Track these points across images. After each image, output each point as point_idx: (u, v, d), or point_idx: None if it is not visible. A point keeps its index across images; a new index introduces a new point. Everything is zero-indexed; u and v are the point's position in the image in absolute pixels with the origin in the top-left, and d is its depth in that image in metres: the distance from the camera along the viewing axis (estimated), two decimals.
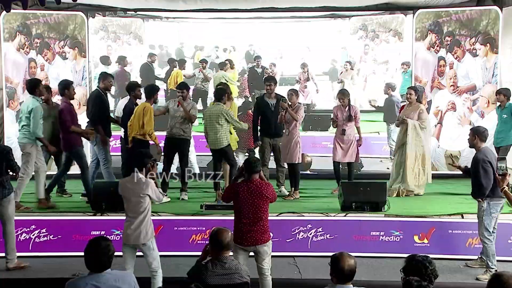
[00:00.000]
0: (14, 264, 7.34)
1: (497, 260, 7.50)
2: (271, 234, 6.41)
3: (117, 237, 7.94)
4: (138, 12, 14.87)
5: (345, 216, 8.31)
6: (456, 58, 10.86)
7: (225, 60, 16.19)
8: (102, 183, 8.95)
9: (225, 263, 4.80)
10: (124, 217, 6.50)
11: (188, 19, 17.52)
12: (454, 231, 8.02)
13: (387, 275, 7.36)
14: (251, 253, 6.25)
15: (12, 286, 7.18)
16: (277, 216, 8.17)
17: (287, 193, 9.51)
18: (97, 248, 4.28)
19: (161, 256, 6.59)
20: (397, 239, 8.06)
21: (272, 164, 9.80)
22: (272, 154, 9.69)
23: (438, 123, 11.03)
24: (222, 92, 9.28)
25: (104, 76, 9.33)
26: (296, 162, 9.40)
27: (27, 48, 10.92)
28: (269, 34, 19.46)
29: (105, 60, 15.21)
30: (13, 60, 10.90)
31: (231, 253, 5.03)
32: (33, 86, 8.60)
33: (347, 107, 9.53)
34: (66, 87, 8.78)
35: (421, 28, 11.00)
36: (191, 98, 10.68)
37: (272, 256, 6.44)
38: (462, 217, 8.23)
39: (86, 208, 8.54)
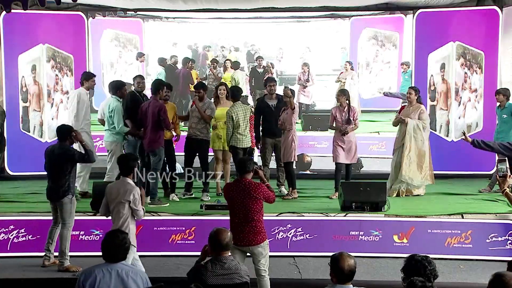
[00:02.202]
0: (65, 266, 7.33)
1: (475, 260, 7.60)
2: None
3: (97, 237, 7.98)
4: (138, 12, 14.87)
5: (345, 216, 8.30)
6: None
7: (226, 60, 16.20)
8: (102, 184, 8.94)
9: (224, 263, 4.79)
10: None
11: (188, 19, 17.54)
12: (434, 230, 8.02)
13: (387, 275, 7.36)
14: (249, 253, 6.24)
15: (12, 286, 7.17)
16: (276, 216, 8.17)
17: (286, 193, 9.50)
18: (114, 240, 4.47)
19: (148, 256, 6.63)
20: (376, 238, 8.05)
21: (273, 164, 9.81)
22: (274, 154, 9.69)
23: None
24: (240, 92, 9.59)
25: (135, 77, 9.69)
26: (292, 161, 9.37)
27: None
28: (269, 34, 19.49)
29: (161, 61, 15.49)
30: None
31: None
32: (116, 87, 9.15)
33: (346, 108, 9.43)
34: (159, 87, 8.96)
35: None
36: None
37: (272, 256, 6.43)
38: (462, 217, 8.22)
39: (86, 208, 8.52)
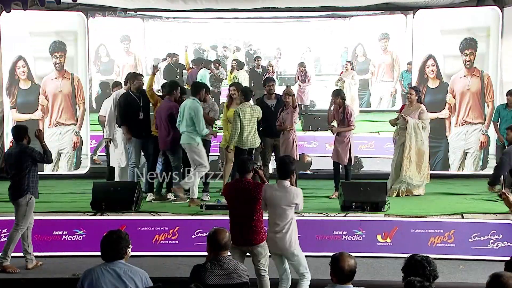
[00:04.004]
0: (3, 266, 7.28)
1: (458, 259, 7.63)
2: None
3: (80, 238, 7.97)
4: (138, 12, 14.88)
5: (345, 216, 8.29)
6: None
7: (233, 60, 16.17)
8: (102, 183, 8.95)
9: (224, 263, 4.79)
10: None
11: (188, 19, 17.54)
12: (417, 230, 8.02)
13: (387, 275, 7.35)
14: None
15: (12, 286, 7.16)
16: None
17: None
18: (109, 239, 4.54)
19: (139, 256, 6.62)
20: (360, 238, 8.02)
21: (273, 164, 9.80)
22: (273, 154, 9.67)
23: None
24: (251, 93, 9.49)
25: (132, 76, 9.54)
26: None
27: None
28: (269, 34, 19.47)
29: (208, 63, 15.36)
30: None
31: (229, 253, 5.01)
32: (197, 89, 8.88)
33: (341, 108, 9.37)
34: (173, 88, 9.06)
35: None
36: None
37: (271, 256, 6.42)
38: (462, 217, 8.22)
39: (86, 208, 8.50)
